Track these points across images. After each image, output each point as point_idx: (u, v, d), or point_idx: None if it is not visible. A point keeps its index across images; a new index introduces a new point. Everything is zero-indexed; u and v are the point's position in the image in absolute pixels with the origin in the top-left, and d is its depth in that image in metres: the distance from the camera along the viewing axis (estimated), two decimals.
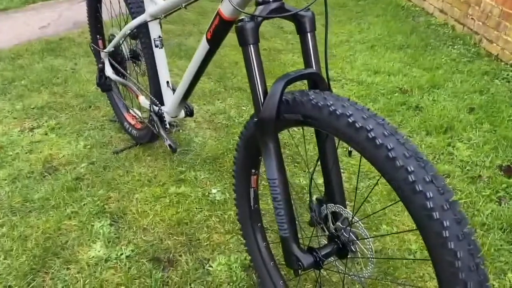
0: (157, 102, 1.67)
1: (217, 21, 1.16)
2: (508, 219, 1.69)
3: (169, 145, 1.62)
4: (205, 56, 1.30)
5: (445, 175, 1.95)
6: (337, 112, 0.86)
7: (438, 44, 3.44)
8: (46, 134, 2.15)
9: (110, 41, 1.96)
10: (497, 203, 1.80)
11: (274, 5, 0.98)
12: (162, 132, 1.64)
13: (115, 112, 2.20)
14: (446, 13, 3.85)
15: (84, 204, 1.72)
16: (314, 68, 1.03)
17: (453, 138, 2.25)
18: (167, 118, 1.65)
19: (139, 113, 2.00)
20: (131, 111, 2.09)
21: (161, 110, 1.64)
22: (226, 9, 1.11)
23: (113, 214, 1.68)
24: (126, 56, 1.85)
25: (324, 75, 1.00)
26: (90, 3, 2.04)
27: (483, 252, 1.57)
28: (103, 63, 1.99)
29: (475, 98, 2.61)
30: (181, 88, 1.50)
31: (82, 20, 3.73)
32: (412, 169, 0.76)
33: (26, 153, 2.01)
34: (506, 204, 1.80)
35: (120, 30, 1.92)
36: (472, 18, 3.52)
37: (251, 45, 0.97)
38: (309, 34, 1.02)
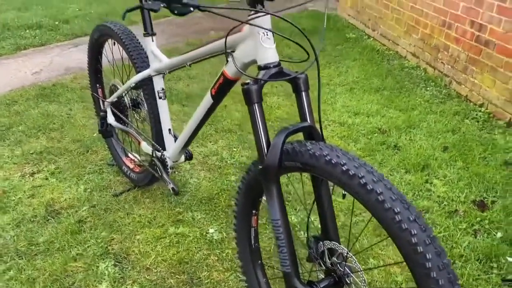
0: (160, 148, 1.80)
1: (221, 80, 1.32)
2: (484, 250, 1.85)
3: (172, 188, 1.74)
4: (208, 109, 1.45)
5: (424, 211, 2.11)
6: (333, 161, 1.01)
7: (412, 86, 3.69)
8: (46, 178, 2.24)
9: (111, 91, 2.10)
10: (473, 236, 1.96)
11: (274, 70, 1.14)
12: (165, 176, 1.77)
13: (113, 156, 2.31)
14: (418, 57, 4.14)
15: (88, 246, 1.80)
16: (309, 121, 1.18)
17: (430, 175, 2.43)
18: (169, 163, 1.78)
19: (138, 157, 2.12)
20: (130, 155, 2.20)
21: (164, 155, 1.77)
22: (230, 71, 1.27)
23: (117, 255, 1.76)
24: (128, 105, 1.98)
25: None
26: (92, 54, 2.19)
27: (462, 281, 1.72)
28: (105, 112, 2.12)
29: (448, 137, 2.81)
30: (184, 135, 1.63)
31: (73, 66, 3.87)
32: (398, 210, 0.91)
33: (29, 197, 2.10)
34: (481, 236, 1.96)
35: (121, 81, 2.06)
36: (442, 62, 3.80)
37: (256, 104, 1.12)
38: (303, 93, 1.18)
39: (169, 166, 1.78)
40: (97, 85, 2.29)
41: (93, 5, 5.63)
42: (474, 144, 2.72)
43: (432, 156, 2.59)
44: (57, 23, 5.11)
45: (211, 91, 1.39)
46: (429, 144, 2.72)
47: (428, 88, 3.66)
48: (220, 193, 2.16)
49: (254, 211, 1.40)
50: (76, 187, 2.18)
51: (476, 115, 3.17)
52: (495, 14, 3.14)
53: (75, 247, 1.79)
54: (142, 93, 1.81)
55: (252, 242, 1.45)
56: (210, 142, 2.65)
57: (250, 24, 1.10)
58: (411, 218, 0.90)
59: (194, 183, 2.24)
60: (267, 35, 1.12)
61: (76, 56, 4.16)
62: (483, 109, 3.25)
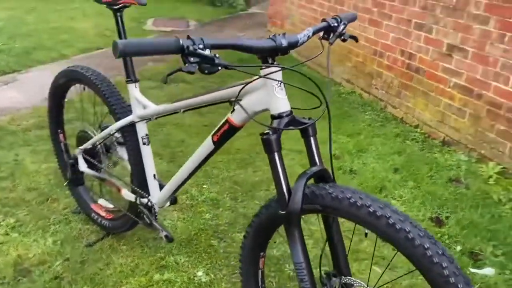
0: (145, 195, 1.76)
1: (226, 127, 1.35)
2: None
3: (166, 236, 1.70)
4: (208, 155, 1.47)
5: None
6: (358, 204, 1.09)
7: (353, 112, 3.94)
8: (7, 234, 2.07)
9: (81, 137, 2.01)
10: None
11: (287, 119, 1.21)
12: (155, 223, 1.73)
13: (79, 204, 2.20)
14: (353, 83, 4.43)
15: None
16: (318, 164, 1.26)
17: (388, 196, 2.61)
18: (157, 209, 1.75)
19: (111, 203, 2.04)
20: (100, 201, 2.11)
21: (151, 202, 1.74)
22: (237, 118, 1.31)
23: None
24: (102, 151, 1.92)
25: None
26: (54, 99, 2.09)
27: None
28: (75, 159, 2.03)
29: (395, 159, 3.04)
30: (176, 181, 1.62)
31: (7, 106, 3.62)
32: (428, 246, 1.00)
33: None
34: None
35: (90, 125, 2.00)
36: (376, 88, 4.11)
37: (276, 153, 1.17)
38: (312, 138, 1.26)
39: (157, 213, 1.75)
40: (59, 130, 2.19)
41: (16, 39, 5.32)
42: (420, 164, 2.98)
43: (386, 178, 2.78)
44: None
45: (212, 137, 1.42)
46: (381, 167, 2.92)
47: (367, 113, 3.93)
48: (198, 233, 2.15)
49: (262, 253, 1.43)
50: (43, 240, 2.04)
51: (414, 136, 3.47)
52: (423, 44, 3.49)
53: None
54: (123, 139, 1.77)
55: (260, 284, 1.47)
56: None
57: (268, 78, 1.16)
58: (440, 252, 1.00)
59: (169, 225, 2.21)
60: (280, 86, 1.19)
61: (7, 94, 3.90)
62: (418, 129, 3.56)
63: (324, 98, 1.20)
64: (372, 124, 3.66)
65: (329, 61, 1.32)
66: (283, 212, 1.17)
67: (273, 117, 1.21)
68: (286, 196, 1.17)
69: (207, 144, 1.44)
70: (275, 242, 2.11)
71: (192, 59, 0.96)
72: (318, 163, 1.25)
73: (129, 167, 1.88)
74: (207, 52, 0.98)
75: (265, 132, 1.18)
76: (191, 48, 0.95)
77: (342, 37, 1.36)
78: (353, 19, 1.43)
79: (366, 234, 1.19)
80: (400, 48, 3.72)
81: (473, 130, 3.11)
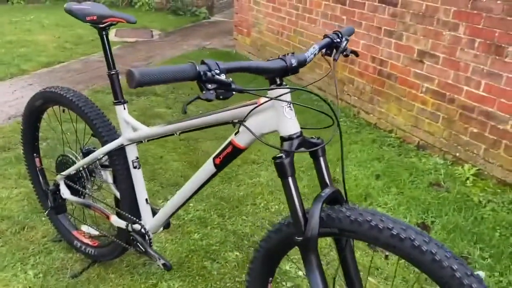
0: (138, 221, 1.67)
1: (230, 149, 1.30)
2: None
3: (164, 264, 1.62)
4: (208, 178, 1.41)
5: None
6: (379, 226, 1.06)
7: (327, 119, 3.95)
8: None
9: (61, 162, 1.89)
10: None
11: (298, 140, 1.17)
12: (151, 251, 1.64)
13: (59, 231, 2.07)
14: (324, 90, 4.46)
15: None
16: (330, 185, 1.22)
17: (373, 204, 2.63)
18: (151, 236, 1.66)
19: (96, 230, 1.93)
20: (83, 227, 1.99)
21: (145, 228, 1.64)
22: (242, 141, 1.26)
23: None
24: (86, 176, 1.81)
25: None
26: (29, 122, 1.95)
27: None
28: (57, 186, 1.90)
29: (376, 165, 3.07)
30: (172, 206, 1.55)
31: None
32: (456, 267, 0.98)
33: None
34: None
35: (72, 149, 1.89)
36: (348, 94, 4.15)
37: (290, 177, 1.13)
38: (321, 158, 1.23)
39: (152, 239, 1.66)
40: (34, 154, 2.06)
41: None
42: (400, 169, 3.01)
43: (369, 186, 2.80)
44: None
45: (214, 160, 1.36)
46: (363, 174, 2.94)
47: (341, 119, 3.96)
48: (189, 255, 2.07)
49: (270, 278, 1.38)
50: (23, 274, 1.90)
51: (390, 141, 3.52)
52: (394, 51, 3.55)
53: None
54: (112, 163, 1.67)
55: None
56: (160, 200, 2.52)
57: (279, 100, 1.12)
58: (468, 273, 0.98)
59: (158, 248, 2.11)
60: (289, 106, 1.15)
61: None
62: (393, 134, 3.62)
63: (335, 117, 1.16)
64: (348, 131, 3.69)
65: (335, 79, 1.29)
66: (300, 238, 1.12)
67: (283, 139, 1.16)
68: (303, 223, 1.13)
69: (208, 167, 1.38)
70: None
71: (209, 85, 0.90)
72: (329, 184, 1.21)
73: (115, 190, 1.79)
74: (223, 77, 0.92)
75: (278, 156, 1.13)
76: (208, 74, 0.89)
77: (344, 53, 1.33)
78: (351, 33, 1.42)
79: (386, 256, 1.17)
80: (371, 55, 3.77)
81: (447, 133, 3.19)
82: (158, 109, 3.90)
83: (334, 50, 1.32)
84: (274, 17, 5.05)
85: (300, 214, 1.14)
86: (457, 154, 3.12)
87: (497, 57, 2.78)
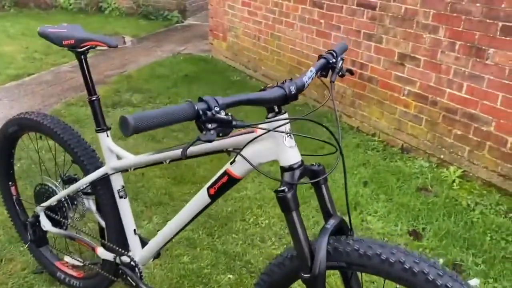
0: (125, 253, 1.57)
1: (225, 179, 1.23)
2: None
3: None
4: (202, 209, 1.33)
5: None
6: (390, 260, 1.01)
7: (310, 124, 3.91)
8: None
9: (40, 192, 1.78)
10: None
11: (299, 170, 1.11)
12: (142, 285, 1.54)
13: (40, 262, 1.96)
14: (305, 95, 4.41)
15: None
16: (334, 215, 1.17)
17: (363, 212, 2.59)
18: (141, 268, 1.57)
19: (80, 260, 1.82)
20: (66, 258, 1.88)
21: (134, 261, 1.55)
22: (238, 170, 1.19)
23: None
24: (69, 207, 1.70)
25: None
26: (2, 147, 1.82)
27: None
28: (36, 217, 1.78)
29: (362, 171, 3.04)
30: (164, 237, 1.47)
31: None
32: None
33: None
34: None
35: (51, 177, 1.78)
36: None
37: (294, 212, 1.06)
38: (323, 186, 1.18)
39: (142, 272, 1.57)
40: (10, 183, 1.93)
41: None
42: (386, 174, 2.99)
43: (358, 193, 2.76)
44: None
45: (208, 190, 1.28)
46: (351, 182, 2.90)
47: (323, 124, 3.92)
48: (180, 281, 1.99)
49: None
50: None
51: (374, 145, 3.50)
52: (374, 54, 3.54)
53: None
54: (96, 193, 1.57)
55: None
56: (144, 220, 2.42)
57: (279, 132, 1.06)
58: None
59: (147, 274, 2.02)
60: (289, 135, 1.09)
61: None
62: (376, 138, 3.61)
63: (338, 145, 1.11)
64: (331, 136, 3.65)
65: (334, 101, 1.24)
66: (307, 276, 1.06)
67: (284, 169, 1.10)
68: (309, 259, 1.07)
69: (202, 198, 1.30)
70: None
71: (210, 125, 0.83)
72: (333, 214, 1.16)
73: (99, 219, 1.69)
74: (223, 114, 0.85)
75: (280, 189, 1.07)
76: (208, 114, 0.82)
77: (340, 73, 1.28)
78: (345, 50, 1.37)
79: None
80: (351, 59, 3.74)
81: (431, 136, 3.19)
82: None
83: (330, 71, 1.27)
84: (250, 21, 4.98)
85: (306, 250, 1.07)
86: (442, 157, 3.13)
87: (477, 60, 2.79)
